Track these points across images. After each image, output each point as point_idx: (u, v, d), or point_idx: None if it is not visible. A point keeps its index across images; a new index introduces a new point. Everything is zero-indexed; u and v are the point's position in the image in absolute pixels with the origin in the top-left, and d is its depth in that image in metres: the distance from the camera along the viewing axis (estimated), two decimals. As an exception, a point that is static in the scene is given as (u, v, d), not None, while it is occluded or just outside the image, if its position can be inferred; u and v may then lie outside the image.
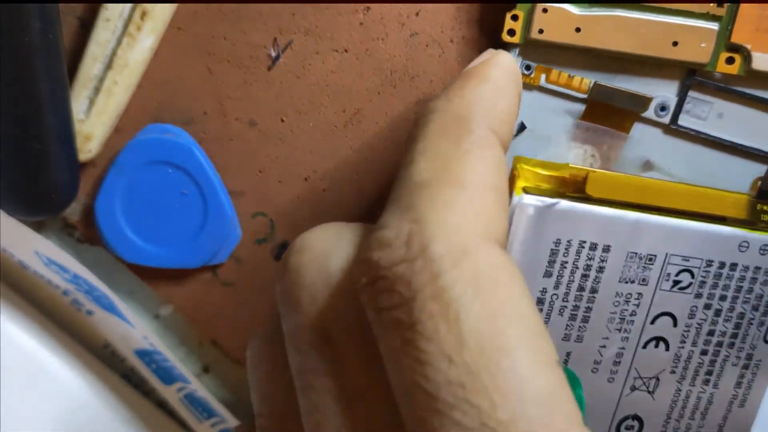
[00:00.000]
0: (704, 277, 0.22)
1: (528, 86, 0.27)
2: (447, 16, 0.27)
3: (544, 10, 0.25)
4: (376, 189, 0.29)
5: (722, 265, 0.22)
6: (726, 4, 0.25)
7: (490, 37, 0.27)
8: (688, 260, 0.21)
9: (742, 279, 0.22)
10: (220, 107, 0.29)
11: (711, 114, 0.27)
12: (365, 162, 0.29)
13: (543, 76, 0.27)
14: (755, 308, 0.22)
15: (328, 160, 0.29)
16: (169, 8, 0.28)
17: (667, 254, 0.21)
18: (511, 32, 0.26)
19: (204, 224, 0.29)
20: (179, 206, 0.29)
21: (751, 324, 0.22)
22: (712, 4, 0.25)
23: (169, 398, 0.29)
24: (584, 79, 0.26)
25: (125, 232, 0.29)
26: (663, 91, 0.26)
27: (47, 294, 0.28)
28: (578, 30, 0.25)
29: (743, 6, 0.25)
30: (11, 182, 0.27)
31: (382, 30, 0.28)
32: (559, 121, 0.27)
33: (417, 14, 0.27)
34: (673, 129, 0.27)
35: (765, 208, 0.22)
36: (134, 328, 0.28)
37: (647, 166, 0.27)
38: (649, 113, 0.27)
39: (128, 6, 0.27)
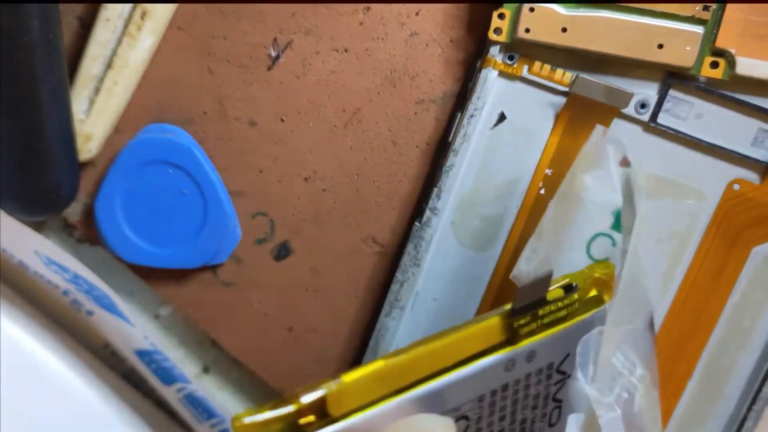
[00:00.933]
0: (479, 413, 0.21)
1: (510, 77, 0.27)
2: (447, 15, 0.27)
3: (531, 10, 0.25)
4: (375, 189, 0.29)
5: (494, 393, 0.21)
6: (712, 8, 0.25)
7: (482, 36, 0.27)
8: (459, 409, 0.21)
9: (516, 393, 0.22)
10: (220, 107, 0.29)
11: (690, 114, 0.27)
12: (365, 162, 0.29)
13: (525, 68, 0.27)
14: (534, 407, 0.22)
15: (328, 160, 0.29)
16: (170, 8, 0.28)
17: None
18: (498, 31, 0.26)
19: (204, 224, 0.29)
20: (179, 206, 0.29)
21: (534, 422, 0.22)
22: (697, 7, 0.25)
23: (169, 399, 0.29)
24: (566, 72, 0.26)
25: (125, 232, 0.29)
26: (644, 89, 0.27)
27: (47, 294, 0.28)
28: (564, 30, 0.25)
29: (729, 9, 0.25)
30: (11, 182, 0.27)
31: (382, 30, 0.28)
32: (539, 114, 0.27)
33: (417, 14, 0.27)
34: (652, 127, 0.27)
35: (520, 322, 0.21)
36: (134, 328, 0.28)
37: (624, 162, 0.27)
38: (629, 110, 0.27)
39: (128, 6, 0.27)
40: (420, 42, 0.28)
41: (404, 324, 0.29)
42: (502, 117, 0.27)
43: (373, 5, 0.27)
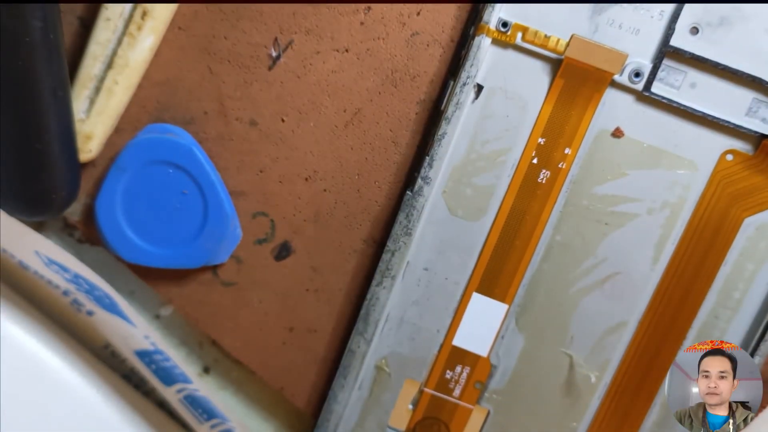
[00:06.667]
0: None
1: (504, 44, 0.27)
2: (448, 15, 0.28)
3: None
4: (377, 189, 0.29)
5: None
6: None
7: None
8: None
9: None
10: (220, 107, 0.29)
11: (684, 83, 0.27)
12: (365, 162, 0.29)
13: (519, 35, 0.27)
14: None
15: (329, 160, 0.29)
16: (170, 8, 0.28)
17: None
18: None
19: (204, 224, 0.29)
20: (179, 206, 0.29)
21: None
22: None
23: (170, 399, 0.29)
24: (561, 40, 0.26)
25: (125, 232, 0.29)
26: (638, 57, 0.27)
27: (48, 294, 0.28)
28: None
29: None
30: (11, 182, 0.27)
31: (382, 30, 0.28)
32: (533, 82, 0.27)
33: (418, 14, 0.28)
34: (645, 96, 0.27)
35: None
36: (135, 328, 0.28)
37: (617, 132, 0.28)
38: (623, 78, 0.27)
39: (129, 6, 0.27)
40: (421, 42, 0.28)
41: (395, 293, 0.29)
42: (479, 90, 0.27)
43: (373, 5, 0.28)
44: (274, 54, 0.28)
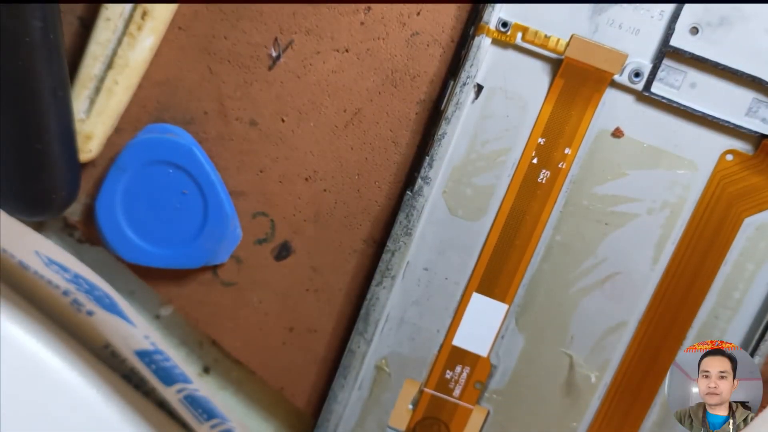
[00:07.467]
0: None
1: (504, 44, 0.27)
2: (448, 15, 0.28)
3: None
4: (377, 189, 0.29)
5: None
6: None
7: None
8: None
9: None
10: (220, 107, 0.29)
11: (684, 83, 0.27)
12: (366, 162, 0.29)
13: (519, 35, 0.27)
14: None
15: (329, 160, 0.29)
16: (170, 8, 0.28)
17: None
18: None
19: (204, 224, 0.29)
20: (179, 206, 0.29)
21: None
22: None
23: (170, 399, 0.29)
24: (560, 40, 0.26)
25: (125, 232, 0.29)
26: (639, 57, 0.27)
27: (47, 294, 0.28)
28: None
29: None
30: (11, 182, 0.27)
31: (382, 30, 0.28)
32: (533, 82, 0.27)
33: (418, 14, 0.28)
34: (645, 96, 0.27)
35: None
36: (135, 327, 0.28)
37: (617, 132, 0.28)
38: (623, 78, 0.27)
39: (129, 6, 0.27)
40: (421, 42, 0.28)
41: (395, 293, 0.29)
42: (479, 90, 0.27)
43: (374, 5, 0.28)
44: (274, 54, 0.28)
